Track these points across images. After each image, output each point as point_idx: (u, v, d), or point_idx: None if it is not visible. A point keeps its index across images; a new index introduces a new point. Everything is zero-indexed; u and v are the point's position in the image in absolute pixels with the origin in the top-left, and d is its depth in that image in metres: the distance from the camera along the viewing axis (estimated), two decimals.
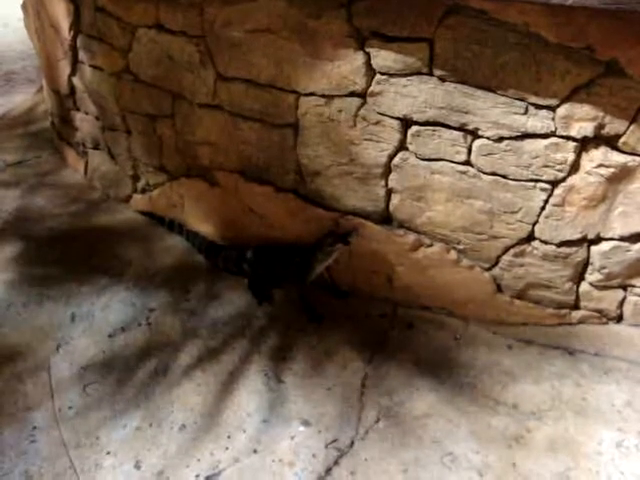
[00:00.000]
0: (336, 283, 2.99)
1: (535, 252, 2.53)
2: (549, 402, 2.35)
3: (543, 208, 2.42)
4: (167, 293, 3.01)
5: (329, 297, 2.94)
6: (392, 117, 2.48)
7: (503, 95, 2.26)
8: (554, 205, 2.40)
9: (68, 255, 3.30)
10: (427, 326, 2.75)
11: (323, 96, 2.56)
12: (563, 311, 2.66)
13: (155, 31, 2.95)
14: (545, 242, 2.50)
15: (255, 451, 2.23)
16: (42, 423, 2.36)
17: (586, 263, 2.53)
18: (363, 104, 2.51)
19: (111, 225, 3.57)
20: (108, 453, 2.24)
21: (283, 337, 2.74)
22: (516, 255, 2.56)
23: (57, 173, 4.09)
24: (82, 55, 3.50)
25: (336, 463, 2.17)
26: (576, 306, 2.65)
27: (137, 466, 2.19)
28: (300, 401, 2.42)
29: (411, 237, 2.69)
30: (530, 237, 2.51)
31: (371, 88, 2.46)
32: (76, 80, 3.68)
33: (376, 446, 2.22)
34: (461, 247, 2.64)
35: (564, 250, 2.49)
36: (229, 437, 2.28)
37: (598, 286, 2.57)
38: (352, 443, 2.24)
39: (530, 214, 2.45)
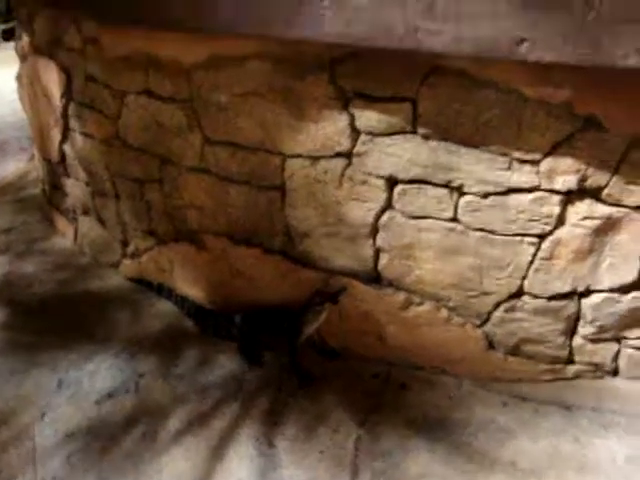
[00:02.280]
0: (327, 344, 2.95)
1: (526, 307, 2.51)
2: (548, 459, 2.29)
3: (532, 262, 2.42)
4: (156, 358, 2.96)
5: (320, 358, 2.90)
6: (378, 176, 2.50)
7: (487, 151, 2.29)
8: (542, 259, 2.40)
9: (56, 321, 3.26)
10: (421, 386, 2.71)
11: (309, 157, 2.59)
12: (557, 366, 2.63)
13: (144, 97, 3.00)
14: (535, 296, 2.49)
15: None
16: None
17: (578, 316, 2.51)
18: (349, 164, 2.53)
19: (100, 291, 3.54)
20: None
21: (274, 401, 2.68)
22: (507, 310, 2.55)
23: (46, 239, 4.08)
24: (73, 123, 3.55)
25: None
26: (570, 360, 2.62)
27: None
28: (292, 466, 2.35)
29: (401, 296, 2.67)
30: (520, 292, 2.50)
31: (356, 148, 2.49)
32: (67, 147, 3.72)
33: None
34: (451, 304, 2.62)
35: (555, 304, 2.48)
36: None
37: (591, 339, 2.55)
38: None
39: (519, 269, 2.45)
